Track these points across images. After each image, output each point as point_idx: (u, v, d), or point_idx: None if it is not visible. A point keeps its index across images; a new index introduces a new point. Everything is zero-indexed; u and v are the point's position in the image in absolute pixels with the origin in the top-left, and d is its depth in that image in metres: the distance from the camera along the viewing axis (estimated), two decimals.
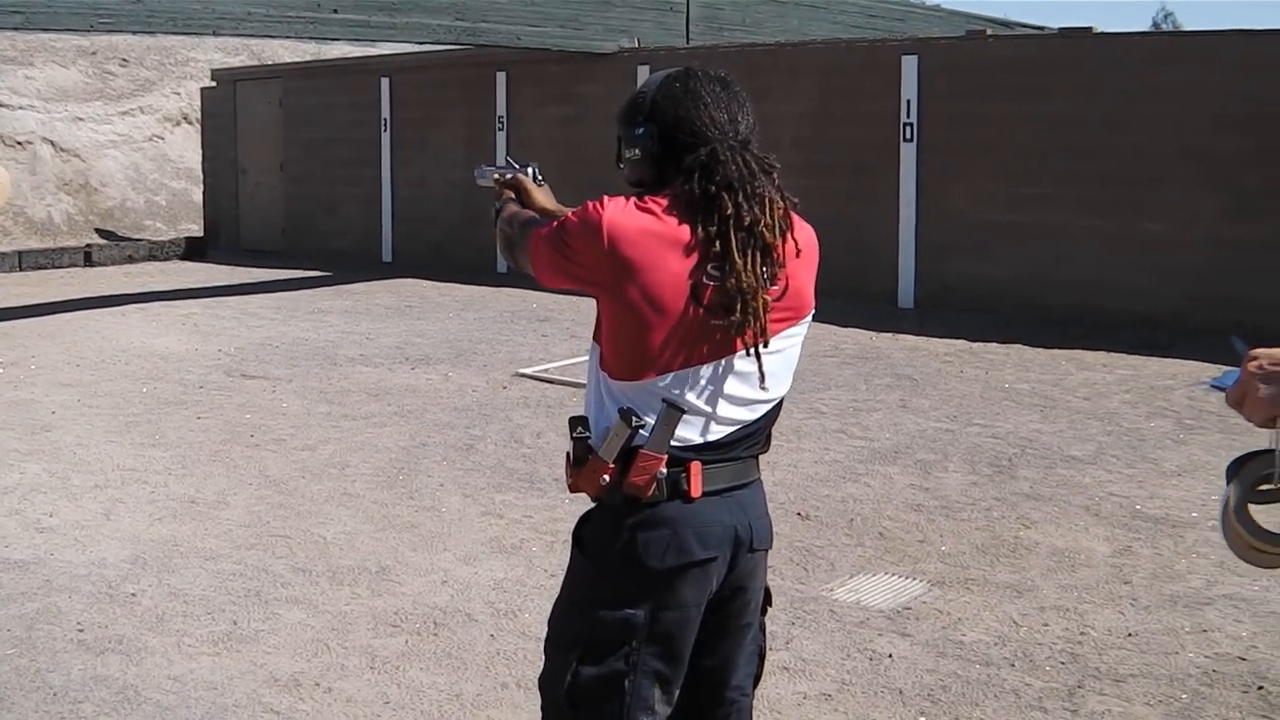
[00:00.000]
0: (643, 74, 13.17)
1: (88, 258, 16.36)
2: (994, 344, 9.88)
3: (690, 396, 2.29)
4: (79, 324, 11.13)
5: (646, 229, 2.27)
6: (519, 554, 5.26)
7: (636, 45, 13.61)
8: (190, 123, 21.38)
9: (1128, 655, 4.29)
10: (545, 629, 2.44)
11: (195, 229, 19.05)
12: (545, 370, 8.88)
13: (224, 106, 18.15)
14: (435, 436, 7.12)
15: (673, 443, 2.28)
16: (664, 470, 2.28)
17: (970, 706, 3.93)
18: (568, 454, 2.37)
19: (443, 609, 4.64)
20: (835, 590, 4.88)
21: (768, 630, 2.58)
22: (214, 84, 18.64)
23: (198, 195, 19.67)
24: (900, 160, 11.59)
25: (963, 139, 11.29)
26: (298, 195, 17.08)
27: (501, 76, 14.44)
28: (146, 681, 4.05)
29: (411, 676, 4.09)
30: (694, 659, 2.38)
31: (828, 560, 5.33)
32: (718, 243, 2.26)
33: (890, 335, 10.36)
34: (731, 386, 2.34)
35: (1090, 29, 10.85)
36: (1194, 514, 5.76)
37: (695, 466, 2.31)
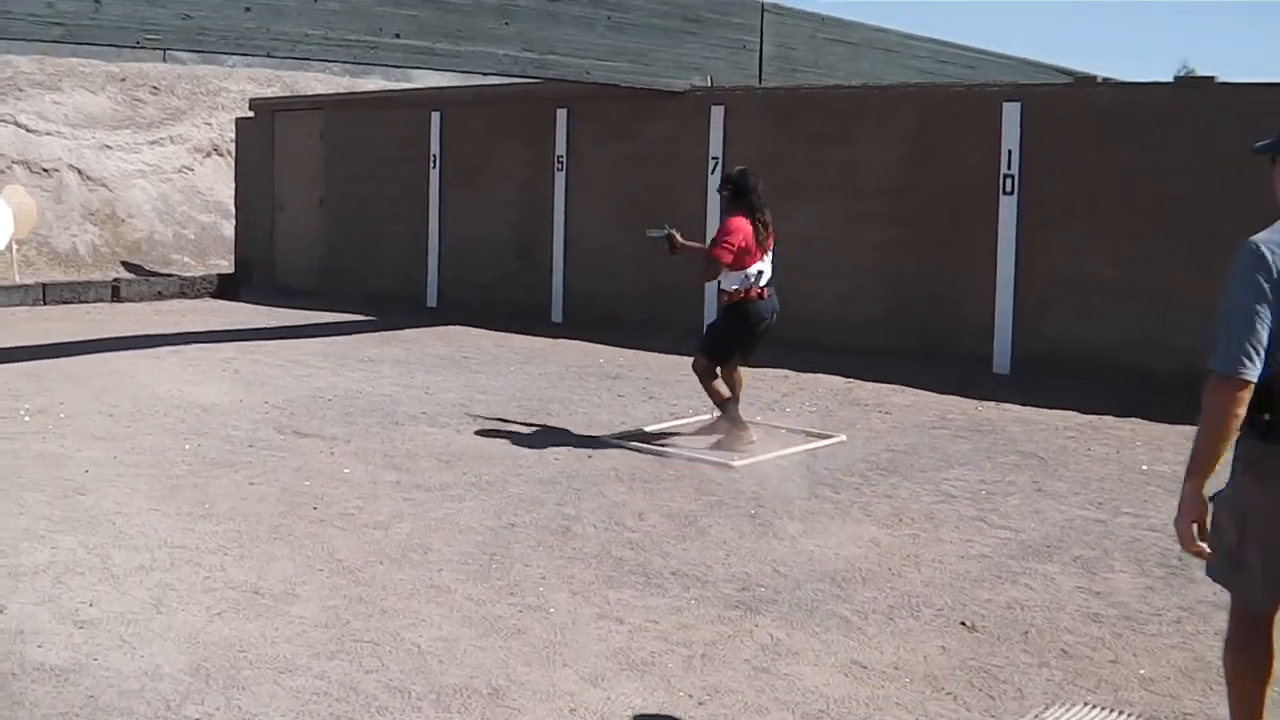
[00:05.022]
0: (717, 114, 12.63)
1: (115, 292, 15.77)
2: (1110, 416, 9.13)
3: (758, 269, 7.74)
4: (110, 367, 10.44)
5: (747, 222, 7.74)
6: (653, 672, 4.44)
7: (709, 84, 12.96)
8: (221, 154, 20.85)
9: None
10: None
11: (224, 264, 18.60)
12: (633, 437, 8.21)
13: (261, 137, 17.60)
14: (523, 515, 6.34)
15: (749, 286, 7.76)
16: (743, 294, 7.78)
17: None
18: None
19: None
20: None
21: None
22: (251, 114, 18.07)
23: (227, 229, 19.16)
24: (1000, 213, 10.88)
25: (1067, 192, 10.59)
26: (338, 232, 16.50)
27: (562, 114, 13.82)
28: None
29: None
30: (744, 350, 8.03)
31: (1014, 685, 4.52)
32: (760, 225, 7.74)
33: (995, 404, 9.63)
34: (765, 265, 7.79)
35: (1212, 78, 10.11)
36: None
37: (754, 291, 7.74)
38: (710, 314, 11.93)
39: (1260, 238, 3.20)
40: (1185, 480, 3.24)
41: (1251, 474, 3.29)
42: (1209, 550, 3.29)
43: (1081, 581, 5.57)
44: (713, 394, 7.99)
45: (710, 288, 12.23)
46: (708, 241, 8.13)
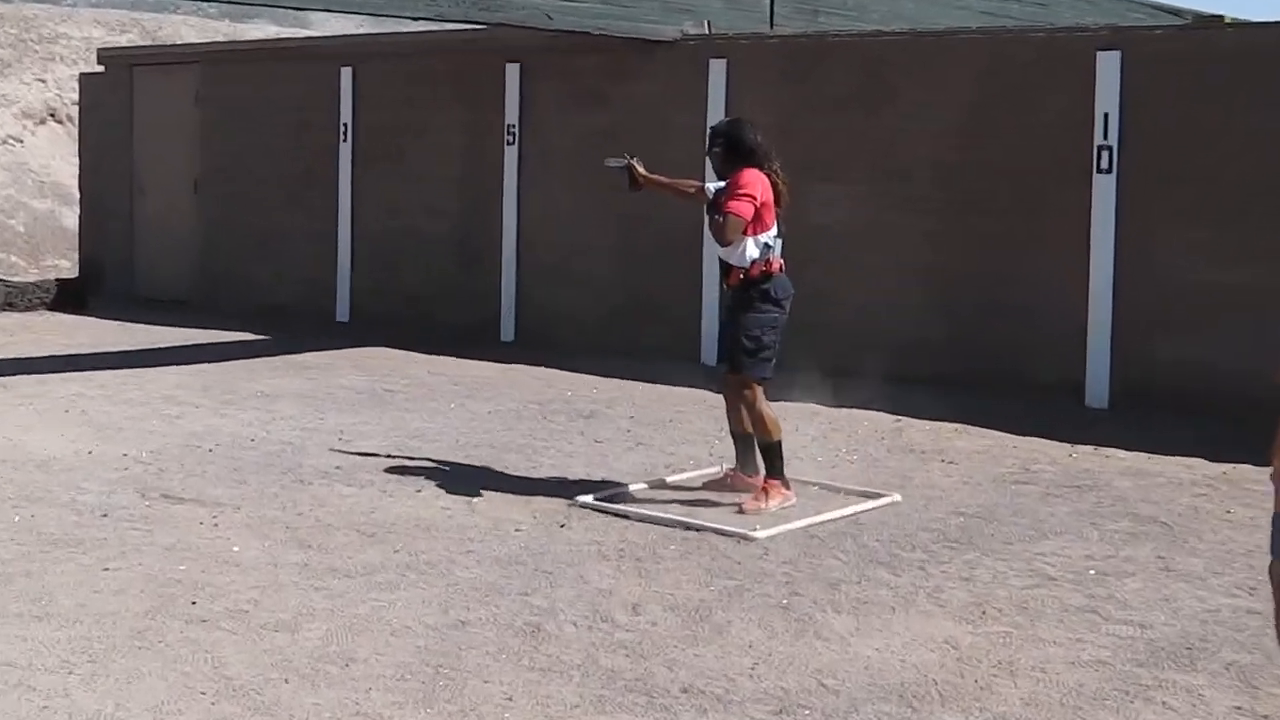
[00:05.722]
0: (716, 71, 12.63)
1: None
2: (1250, 466, 9.01)
3: (775, 234, 7.81)
4: None
5: (761, 174, 7.80)
6: None
7: (706, 31, 12.97)
8: (60, 121, 20.82)
9: None
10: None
11: (66, 266, 18.68)
12: (619, 499, 8.04)
13: (114, 99, 17.63)
14: (478, 609, 6.12)
15: (770, 257, 7.78)
16: (764, 266, 7.79)
17: None
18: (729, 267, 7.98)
19: None
20: None
21: None
22: (100, 68, 18.13)
23: (70, 220, 19.17)
24: (1093, 198, 10.83)
25: (1183, 168, 10.56)
26: (218, 225, 16.47)
27: (513, 70, 13.80)
28: None
29: None
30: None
31: None
32: (776, 177, 7.89)
33: (1093, 449, 9.56)
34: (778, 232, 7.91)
35: None
36: None
37: (776, 263, 7.82)
38: (711, 327, 11.88)
39: None
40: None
41: None
42: None
43: (1240, 699, 5.39)
44: (769, 426, 7.90)
45: (710, 292, 12.11)
46: (707, 196, 8.10)
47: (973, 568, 6.83)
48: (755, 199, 7.65)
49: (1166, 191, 10.57)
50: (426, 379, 11.98)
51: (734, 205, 7.63)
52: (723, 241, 7.74)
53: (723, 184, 7.86)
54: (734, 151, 7.84)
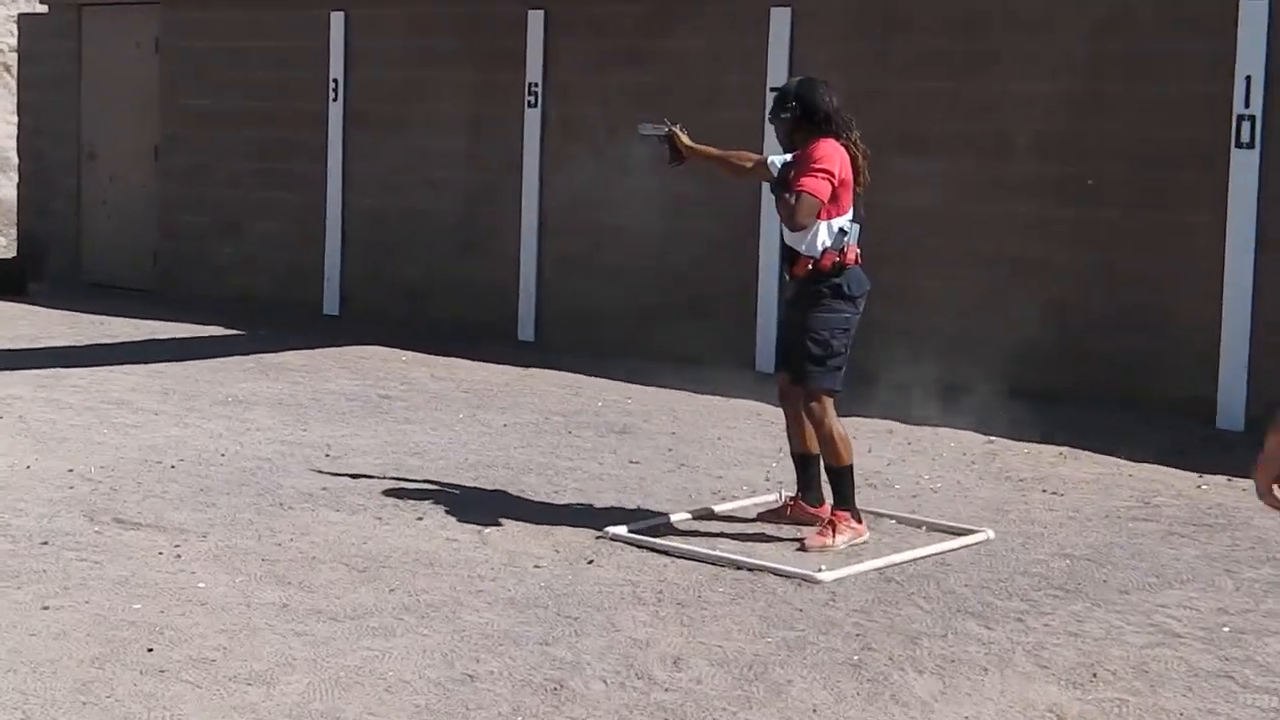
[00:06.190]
0: (779, 22, 12.64)
1: None
2: None
3: (852, 219, 7.85)
4: None
5: (840, 146, 7.83)
6: None
7: None
8: None
9: None
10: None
11: (3, 245, 18.84)
12: (657, 531, 8.01)
13: (59, 47, 17.69)
14: (489, 661, 6.12)
15: (845, 245, 7.80)
16: (838, 256, 7.80)
17: None
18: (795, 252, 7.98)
19: None
20: None
21: None
22: (43, 9, 18.30)
23: (7, 190, 19.33)
24: (1230, 180, 10.78)
25: None
26: (183, 199, 16.54)
27: (536, 19, 13.85)
28: None
29: None
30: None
31: None
32: (857, 150, 7.92)
33: (1226, 480, 9.51)
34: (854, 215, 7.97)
35: None
36: None
37: (851, 252, 7.85)
38: (768, 326, 11.84)
39: None
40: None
41: None
42: None
43: None
44: (839, 447, 7.94)
45: (768, 285, 12.09)
46: (770, 171, 8.10)
47: (1081, 621, 6.81)
48: (834, 176, 7.64)
49: None
50: (430, 384, 12.03)
51: (809, 183, 7.61)
52: (794, 225, 7.71)
53: (788, 157, 7.85)
54: (807, 118, 7.83)
